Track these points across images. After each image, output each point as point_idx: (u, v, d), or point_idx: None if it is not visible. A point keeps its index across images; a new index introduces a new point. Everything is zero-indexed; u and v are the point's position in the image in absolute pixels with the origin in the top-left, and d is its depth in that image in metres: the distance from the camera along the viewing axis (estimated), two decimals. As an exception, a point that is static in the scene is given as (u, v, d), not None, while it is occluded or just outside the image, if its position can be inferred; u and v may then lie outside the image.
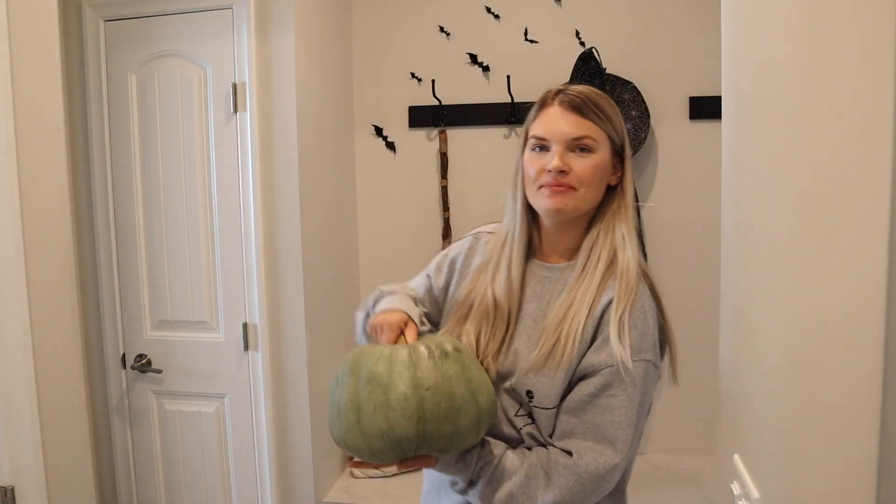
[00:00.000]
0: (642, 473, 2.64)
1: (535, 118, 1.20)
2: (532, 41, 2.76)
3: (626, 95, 2.62)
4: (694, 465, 2.66)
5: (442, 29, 2.82)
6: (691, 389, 2.74)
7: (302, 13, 2.37)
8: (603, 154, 1.14)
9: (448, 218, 2.84)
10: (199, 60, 2.34)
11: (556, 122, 1.14)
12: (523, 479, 1.07)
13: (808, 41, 0.72)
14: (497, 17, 2.79)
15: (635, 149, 2.59)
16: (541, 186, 1.15)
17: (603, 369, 1.07)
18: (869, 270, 0.55)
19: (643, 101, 2.61)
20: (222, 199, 2.36)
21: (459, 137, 2.82)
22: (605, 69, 2.58)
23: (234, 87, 2.30)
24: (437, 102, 2.82)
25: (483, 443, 1.11)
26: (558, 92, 1.18)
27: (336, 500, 2.51)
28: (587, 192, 1.14)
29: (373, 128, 2.91)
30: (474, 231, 1.35)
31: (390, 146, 2.90)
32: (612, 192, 1.19)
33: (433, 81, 2.83)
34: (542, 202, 1.15)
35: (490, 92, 2.80)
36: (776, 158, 0.84)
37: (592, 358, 1.09)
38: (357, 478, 2.67)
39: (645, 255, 2.68)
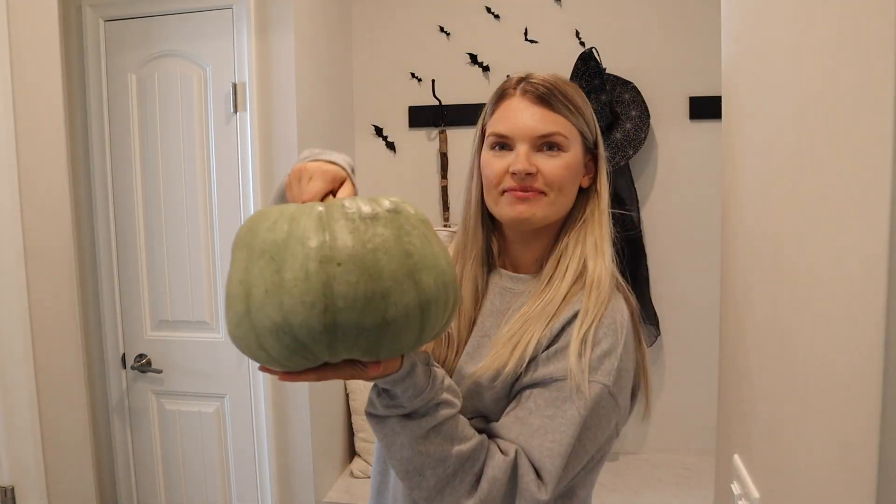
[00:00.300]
0: (642, 473, 2.65)
1: (493, 112, 1.03)
2: (532, 41, 2.76)
3: (626, 95, 2.62)
4: (694, 465, 2.66)
5: (442, 29, 2.82)
6: (691, 389, 2.74)
7: (302, 13, 2.37)
8: (575, 153, 0.99)
9: (448, 218, 2.84)
10: (199, 60, 2.34)
11: (519, 117, 0.98)
12: (471, 450, 0.87)
13: (808, 41, 0.72)
14: (497, 17, 2.79)
15: (635, 149, 2.59)
16: (503, 192, 0.98)
17: (548, 383, 0.91)
18: (869, 270, 0.55)
19: (643, 101, 2.61)
20: (222, 198, 2.35)
21: (459, 137, 2.83)
22: (605, 69, 2.58)
23: (234, 86, 2.30)
24: (437, 102, 2.82)
25: (432, 371, 0.87)
26: (520, 80, 1.01)
27: (336, 500, 2.51)
28: (558, 197, 0.98)
29: (373, 128, 2.91)
30: None
31: (390, 146, 2.90)
32: (583, 195, 1.04)
33: (433, 81, 2.83)
34: (505, 210, 0.98)
35: (490, 92, 2.79)
36: (776, 158, 0.84)
37: (539, 368, 0.92)
38: (357, 478, 2.66)
39: (645, 256, 2.68)
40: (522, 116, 0.98)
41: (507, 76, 1.04)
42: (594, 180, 1.05)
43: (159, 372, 2.45)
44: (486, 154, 1.01)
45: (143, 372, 2.47)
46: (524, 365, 0.92)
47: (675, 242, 2.71)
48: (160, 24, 2.36)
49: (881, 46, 0.53)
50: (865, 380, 0.56)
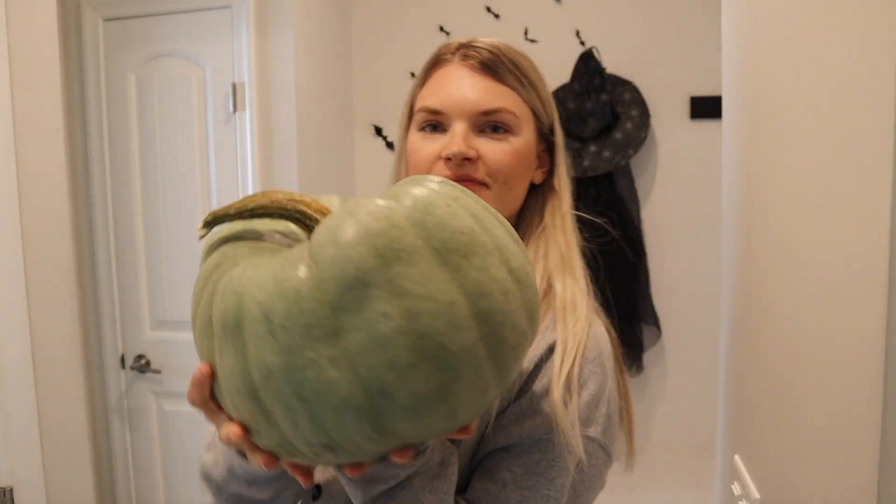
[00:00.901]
0: (642, 473, 2.64)
1: (424, 82, 0.83)
2: (532, 41, 2.76)
3: (626, 95, 2.61)
4: (694, 465, 2.65)
5: (442, 28, 2.82)
6: (692, 389, 2.73)
7: (301, 12, 2.37)
8: (526, 138, 0.80)
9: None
10: (199, 60, 2.34)
11: (457, 88, 0.78)
12: None
13: (809, 40, 0.72)
14: (497, 16, 2.78)
15: (635, 149, 2.58)
16: None
17: (527, 445, 0.69)
18: (870, 270, 0.55)
19: (643, 101, 2.61)
20: (222, 198, 2.35)
21: (459, 137, 2.83)
22: (605, 69, 2.58)
23: (234, 86, 2.30)
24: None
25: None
26: (461, 45, 0.82)
27: (336, 500, 2.51)
28: (503, 191, 0.77)
29: (373, 128, 2.91)
30: None
31: (390, 146, 2.90)
32: (538, 194, 0.84)
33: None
34: None
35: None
36: (777, 158, 0.84)
37: (511, 426, 0.70)
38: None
39: (645, 255, 2.68)
40: (461, 87, 0.78)
41: (450, 42, 0.85)
42: (550, 175, 0.85)
43: (158, 372, 2.45)
44: (414, 136, 0.81)
45: (143, 372, 2.46)
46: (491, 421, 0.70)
47: (676, 242, 2.71)
48: (159, 24, 2.36)
49: (883, 44, 0.53)
50: (866, 380, 0.56)
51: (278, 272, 0.49)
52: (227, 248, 0.57)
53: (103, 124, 2.41)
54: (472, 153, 0.76)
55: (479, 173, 0.76)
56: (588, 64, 2.55)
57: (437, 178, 0.56)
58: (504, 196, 0.78)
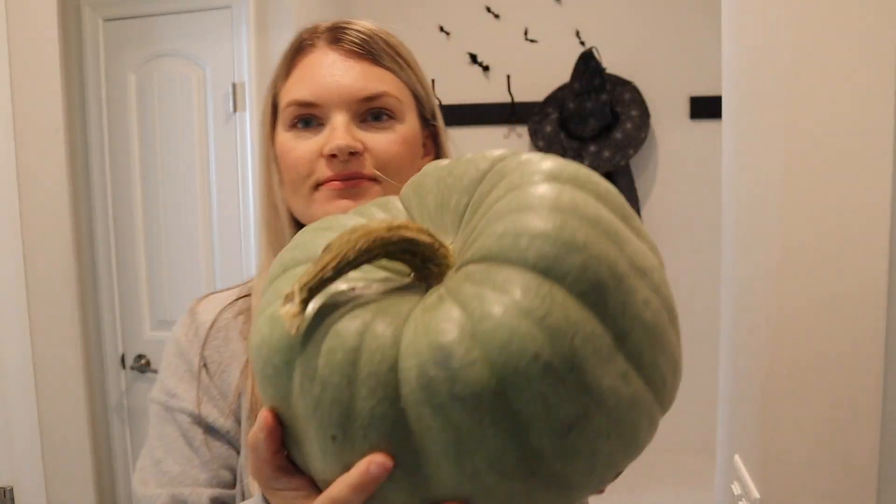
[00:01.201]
0: (642, 473, 2.64)
1: (288, 73, 0.73)
2: (532, 41, 2.76)
3: (626, 95, 2.62)
4: (694, 465, 2.65)
5: (442, 28, 2.82)
6: (692, 389, 2.73)
7: (301, 13, 2.37)
8: (411, 123, 0.73)
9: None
10: (199, 60, 2.34)
11: (329, 74, 0.69)
12: None
13: (808, 40, 0.72)
14: (497, 16, 2.78)
15: (635, 149, 2.58)
16: (318, 185, 0.68)
17: None
18: (869, 270, 0.55)
19: (643, 101, 2.61)
20: (222, 198, 2.35)
21: (459, 137, 2.81)
22: (605, 69, 2.58)
23: (234, 86, 2.30)
24: (436, 102, 2.82)
25: None
26: (329, 28, 0.74)
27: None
28: (392, 185, 0.68)
29: (372, 128, 2.91)
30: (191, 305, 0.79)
31: (390, 146, 2.90)
32: None
33: (433, 81, 2.82)
34: (323, 211, 0.67)
35: (490, 92, 2.80)
36: (777, 158, 0.84)
37: None
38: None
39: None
40: (334, 74, 0.69)
41: (316, 25, 0.75)
42: None
43: (158, 372, 2.45)
44: (284, 136, 0.71)
45: (143, 372, 2.46)
46: None
47: (676, 242, 2.71)
48: (159, 24, 2.36)
49: (882, 45, 0.53)
50: (866, 380, 0.56)
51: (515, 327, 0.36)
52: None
53: (103, 124, 2.41)
54: (358, 146, 0.67)
55: (367, 168, 0.68)
56: (588, 64, 2.55)
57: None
58: (394, 191, 0.64)
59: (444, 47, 2.83)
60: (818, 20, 0.68)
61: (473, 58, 2.80)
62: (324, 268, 0.39)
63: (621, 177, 2.64)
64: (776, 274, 0.83)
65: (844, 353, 0.62)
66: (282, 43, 2.39)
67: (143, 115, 2.39)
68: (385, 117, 0.70)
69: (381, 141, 0.69)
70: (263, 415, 0.43)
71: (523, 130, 2.77)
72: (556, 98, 2.69)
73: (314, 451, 0.41)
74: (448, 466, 0.38)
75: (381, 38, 0.74)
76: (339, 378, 0.38)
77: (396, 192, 0.60)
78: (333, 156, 0.67)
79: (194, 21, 2.33)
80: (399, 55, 0.74)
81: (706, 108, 2.62)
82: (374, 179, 0.68)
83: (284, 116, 0.71)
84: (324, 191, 0.68)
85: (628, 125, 2.59)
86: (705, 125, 2.65)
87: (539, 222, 0.38)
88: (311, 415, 0.40)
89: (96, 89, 2.40)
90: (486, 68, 2.80)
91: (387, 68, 0.72)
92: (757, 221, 0.94)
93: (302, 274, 0.40)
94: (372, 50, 0.72)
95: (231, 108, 2.31)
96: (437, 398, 0.36)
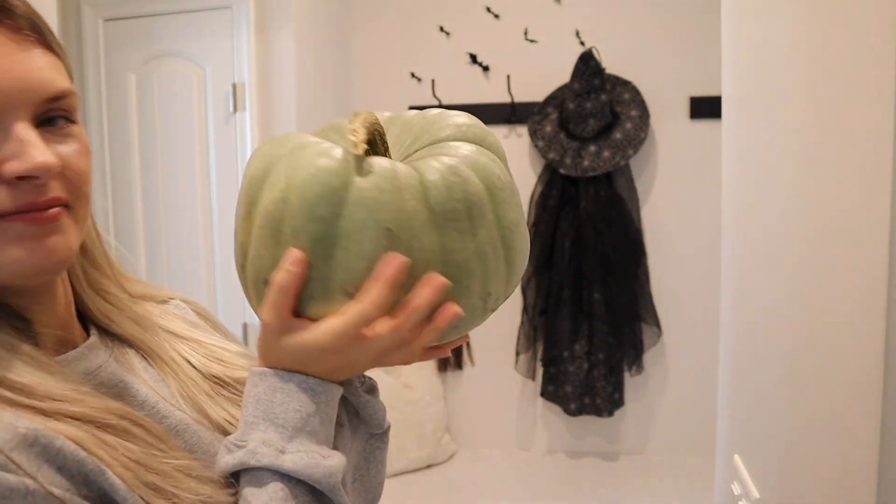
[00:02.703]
0: (642, 473, 2.64)
1: None
2: (532, 41, 2.76)
3: (626, 95, 2.61)
4: (694, 465, 2.65)
5: (442, 28, 2.82)
6: (692, 389, 2.73)
7: (301, 12, 2.37)
8: (82, 127, 0.55)
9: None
10: (199, 60, 2.34)
11: None
12: None
13: (808, 40, 0.72)
14: (497, 16, 2.78)
15: (635, 149, 2.58)
16: (2, 217, 0.48)
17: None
18: (869, 271, 0.55)
19: (643, 101, 2.61)
20: (222, 198, 2.36)
21: (459, 137, 2.82)
22: (604, 69, 2.58)
23: (234, 86, 2.30)
24: (437, 102, 2.82)
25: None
26: None
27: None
28: (86, 207, 0.54)
29: (372, 128, 2.91)
30: None
31: (390, 146, 2.90)
32: None
33: (433, 81, 2.82)
34: (17, 255, 0.49)
35: (490, 92, 2.80)
36: (777, 158, 0.84)
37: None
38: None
39: (645, 255, 2.68)
40: (4, 63, 0.48)
41: None
42: None
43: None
44: None
45: (143, 372, 2.47)
46: None
47: (676, 242, 2.71)
48: (159, 24, 2.36)
49: (882, 45, 0.53)
50: (866, 380, 0.56)
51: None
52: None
53: (103, 124, 2.41)
54: (57, 163, 0.50)
55: (63, 191, 0.51)
56: (588, 64, 2.55)
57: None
58: (85, 212, 0.54)
59: (444, 47, 2.82)
60: (818, 20, 0.68)
61: (473, 58, 2.80)
62: (365, 119, 0.54)
63: (621, 177, 2.64)
64: (776, 274, 0.83)
65: (844, 352, 0.62)
66: (282, 43, 2.38)
67: (143, 115, 2.39)
68: (62, 122, 0.52)
69: (70, 154, 0.52)
70: (296, 254, 0.49)
71: (523, 130, 2.77)
72: (556, 98, 2.69)
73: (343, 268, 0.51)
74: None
75: (37, 15, 0.53)
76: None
77: (87, 214, 0.55)
78: (25, 178, 0.48)
79: (194, 21, 2.33)
80: (52, 35, 0.54)
81: (706, 108, 2.62)
82: (66, 205, 0.51)
83: None
84: (15, 227, 0.49)
85: (628, 125, 2.59)
86: (705, 125, 2.64)
87: (459, 119, 0.67)
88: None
89: (96, 89, 2.40)
90: (486, 68, 2.80)
91: (56, 54, 0.53)
92: (757, 221, 0.94)
93: (353, 124, 0.53)
94: (42, 30, 0.52)
95: (231, 108, 2.31)
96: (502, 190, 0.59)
